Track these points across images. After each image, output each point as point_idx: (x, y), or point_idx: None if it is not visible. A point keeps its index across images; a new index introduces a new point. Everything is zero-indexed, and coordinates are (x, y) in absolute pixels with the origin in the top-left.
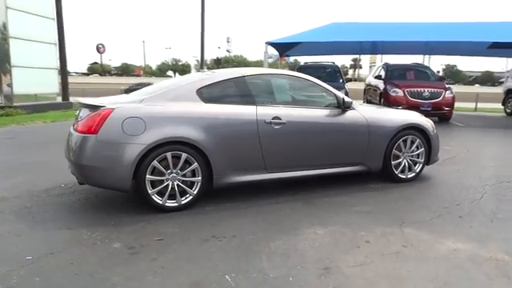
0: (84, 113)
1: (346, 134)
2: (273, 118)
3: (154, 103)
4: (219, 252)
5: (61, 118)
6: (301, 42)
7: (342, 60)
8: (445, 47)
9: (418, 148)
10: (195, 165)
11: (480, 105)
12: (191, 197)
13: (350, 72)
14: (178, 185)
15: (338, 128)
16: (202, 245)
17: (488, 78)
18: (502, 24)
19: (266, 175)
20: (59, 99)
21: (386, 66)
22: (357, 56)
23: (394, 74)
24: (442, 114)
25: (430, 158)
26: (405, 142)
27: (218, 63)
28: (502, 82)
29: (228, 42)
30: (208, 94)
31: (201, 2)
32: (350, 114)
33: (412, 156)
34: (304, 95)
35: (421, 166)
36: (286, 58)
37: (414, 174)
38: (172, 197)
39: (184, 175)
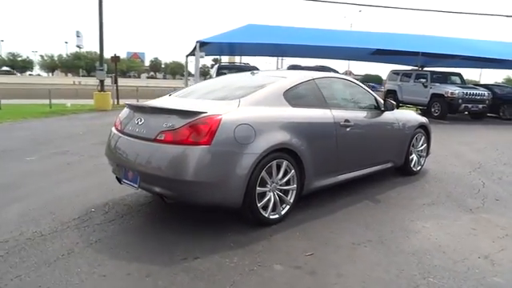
0: (158, 119)
1: (387, 133)
2: (344, 121)
3: (251, 108)
4: (380, 256)
5: None
6: (231, 42)
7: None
8: (336, 51)
9: (422, 144)
10: (292, 172)
11: None
12: (288, 206)
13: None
14: (278, 195)
15: (382, 128)
16: (355, 253)
17: None
18: (384, 34)
19: (337, 177)
20: None
21: (300, 69)
22: (217, 57)
23: None
24: None
25: (428, 152)
26: (416, 139)
27: (117, 61)
28: None
29: (78, 36)
30: (291, 98)
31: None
32: (386, 115)
33: (419, 151)
34: (354, 98)
35: (424, 159)
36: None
37: (420, 167)
38: (270, 209)
39: (281, 184)
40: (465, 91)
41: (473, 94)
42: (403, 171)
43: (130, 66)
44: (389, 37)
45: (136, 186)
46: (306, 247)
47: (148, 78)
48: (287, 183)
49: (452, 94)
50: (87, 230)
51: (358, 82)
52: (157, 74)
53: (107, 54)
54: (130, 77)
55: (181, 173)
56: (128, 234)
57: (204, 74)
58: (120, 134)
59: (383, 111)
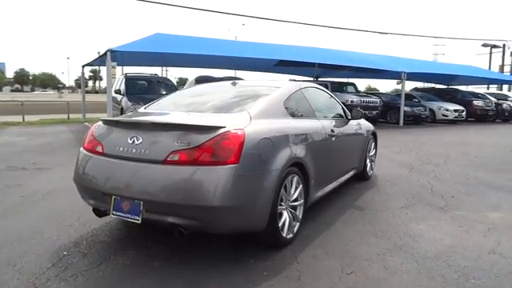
0: (165, 137)
1: (354, 141)
2: (331, 131)
3: (262, 120)
4: (413, 264)
5: None
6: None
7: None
8: (243, 62)
9: (373, 149)
10: (301, 187)
11: None
12: (298, 223)
13: (90, 83)
14: (291, 212)
15: (352, 136)
16: (388, 264)
17: None
18: (286, 46)
19: (326, 188)
20: None
21: (211, 80)
22: (96, 67)
23: None
24: None
25: (375, 157)
26: (370, 145)
27: None
28: None
29: None
30: (289, 108)
31: None
32: (352, 123)
33: (371, 156)
34: (330, 107)
35: (374, 163)
36: None
37: (372, 172)
38: (286, 228)
39: (291, 201)
40: (362, 99)
41: (368, 102)
42: (360, 177)
43: None
44: (289, 49)
45: (138, 218)
46: (340, 265)
47: (13, 91)
48: (296, 199)
49: (352, 101)
50: (78, 279)
51: (328, 92)
52: (23, 86)
53: None
54: None
55: (207, 198)
56: (137, 277)
57: (78, 86)
58: (103, 157)
59: (349, 120)
